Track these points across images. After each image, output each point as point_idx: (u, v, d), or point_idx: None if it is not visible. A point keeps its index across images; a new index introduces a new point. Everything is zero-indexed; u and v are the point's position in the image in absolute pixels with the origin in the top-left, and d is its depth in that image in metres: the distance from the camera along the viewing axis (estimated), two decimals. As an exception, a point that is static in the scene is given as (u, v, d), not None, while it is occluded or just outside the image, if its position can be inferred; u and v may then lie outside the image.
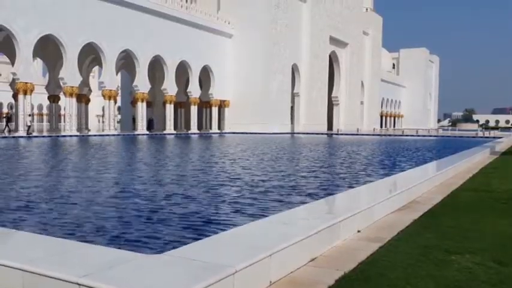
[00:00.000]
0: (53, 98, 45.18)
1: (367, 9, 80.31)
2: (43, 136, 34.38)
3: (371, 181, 9.59)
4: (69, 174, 11.75)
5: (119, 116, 65.37)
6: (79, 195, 8.42)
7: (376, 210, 5.88)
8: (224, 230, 4.84)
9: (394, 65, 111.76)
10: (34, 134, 35.28)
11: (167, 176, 11.57)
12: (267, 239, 4.07)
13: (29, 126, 34.55)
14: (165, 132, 44.97)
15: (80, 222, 6.08)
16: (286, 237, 4.00)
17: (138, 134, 40.64)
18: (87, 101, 47.13)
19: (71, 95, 36.32)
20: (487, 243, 4.79)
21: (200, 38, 48.19)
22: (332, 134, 53.17)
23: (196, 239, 4.24)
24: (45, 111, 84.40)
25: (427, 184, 8.67)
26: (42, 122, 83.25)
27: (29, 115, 34.88)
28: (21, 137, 31.71)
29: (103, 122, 47.22)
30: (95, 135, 37.38)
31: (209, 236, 4.38)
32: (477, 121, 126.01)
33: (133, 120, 50.18)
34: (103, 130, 41.81)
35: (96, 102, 75.22)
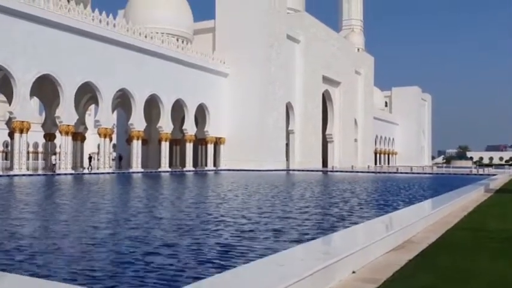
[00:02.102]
0: (49, 137, 45.27)
1: (358, 49, 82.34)
2: (38, 175, 34.20)
3: (366, 220, 9.58)
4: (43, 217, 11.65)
5: (114, 154, 65.30)
6: (64, 240, 8.34)
7: (371, 250, 5.87)
8: (218, 272, 4.81)
9: (386, 103, 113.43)
10: (51, 171, 35.94)
11: (156, 217, 11.50)
12: (263, 280, 4.05)
13: (54, 165, 36.60)
14: (160, 169, 44.87)
15: (75, 265, 6.03)
16: (282, 278, 3.99)
17: (133, 172, 40.52)
18: (83, 139, 47.21)
19: (66, 133, 36.42)
20: (483, 285, 4.78)
21: (196, 77, 48.96)
22: (327, 171, 53.24)
23: (187, 283, 4.22)
24: (40, 149, 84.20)
25: (422, 223, 8.68)
26: (37, 160, 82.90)
27: (54, 154, 36.60)
28: (16, 175, 31.49)
29: (98, 160, 47.13)
30: (89, 174, 37.21)
31: (202, 278, 4.35)
32: (471, 158, 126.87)
33: (120, 158, 49.91)
34: (98, 168, 41.68)
35: (92, 139, 75.32)
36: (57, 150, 51.90)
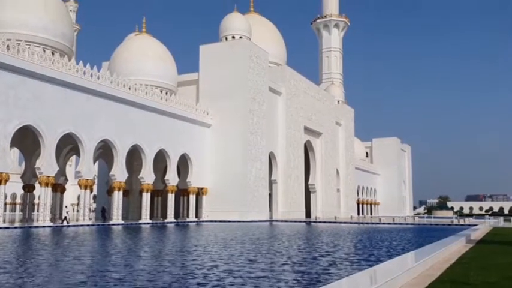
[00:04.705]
0: (28, 188, 44.33)
1: (338, 101, 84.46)
2: (14, 227, 33.20)
3: (350, 273, 9.56)
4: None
5: (94, 205, 64.04)
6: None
7: (355, 306, 5.86)
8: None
9: (367, 153, 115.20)
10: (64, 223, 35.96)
11: (134, 274, 11.26)
12: None
13: (65, 217, 37.37)
14: (140, 221, 43.98)
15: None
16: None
17: (113, 224, 39.64)
18: (63, 190, 46.33)
19: (46, 184, 35.74)
20: None
21: (179, 128, 49.23)
22: (310, 221, 52.96)
23: None
24: (18, 200, 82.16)
25: (405, 276, 8.70)
26: (15, 211, 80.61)
27: (65, 207, 38.12)
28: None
29: (77, 211, 46.01)
30: (68, 226, 36.29)
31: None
32: (452, 208, 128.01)
33: (103, 210, 48.66)
34: (77, 220, 40.70)
35: (72, 190, 74.00)
36: (36, 201, 50.74)
